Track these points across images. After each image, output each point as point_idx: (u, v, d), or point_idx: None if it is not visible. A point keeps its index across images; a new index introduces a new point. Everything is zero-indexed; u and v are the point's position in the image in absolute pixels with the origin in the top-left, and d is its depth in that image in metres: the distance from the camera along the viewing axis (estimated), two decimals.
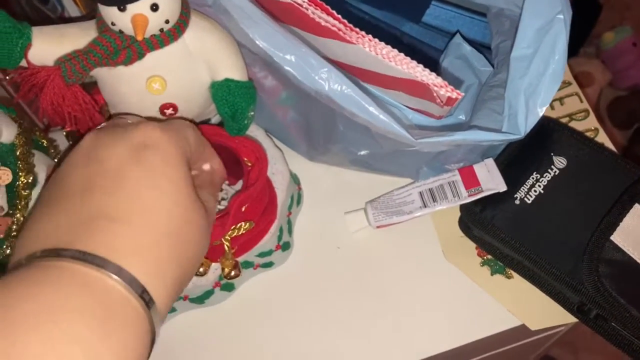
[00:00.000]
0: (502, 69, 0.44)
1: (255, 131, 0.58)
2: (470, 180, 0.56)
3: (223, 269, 0.51)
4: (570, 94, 0.66)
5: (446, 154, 0.55)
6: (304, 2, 0.31)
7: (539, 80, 0.34)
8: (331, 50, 0.35)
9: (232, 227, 0.48)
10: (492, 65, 0.48)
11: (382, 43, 0.32)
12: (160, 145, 0.31)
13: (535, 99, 0.34)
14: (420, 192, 0.58)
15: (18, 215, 0.46)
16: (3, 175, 0.43)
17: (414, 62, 0.32)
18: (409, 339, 0.54)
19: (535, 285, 0.55)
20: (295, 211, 0.60)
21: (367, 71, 0.35)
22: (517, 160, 0.57)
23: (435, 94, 0.32)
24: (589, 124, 0.64)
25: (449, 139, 0.34)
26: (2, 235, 0.45)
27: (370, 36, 0.32)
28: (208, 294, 0.54)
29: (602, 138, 0.63)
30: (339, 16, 0.32)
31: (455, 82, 0.44)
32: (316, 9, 0.31)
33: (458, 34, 0.49)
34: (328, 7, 0.31)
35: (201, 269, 0.50)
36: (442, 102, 0.32)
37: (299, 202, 0.60)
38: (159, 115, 0.47)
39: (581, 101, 0.66)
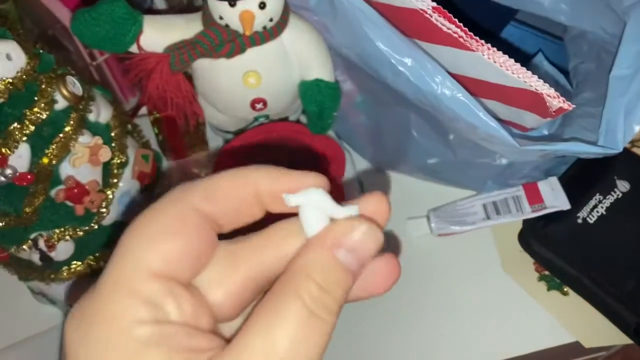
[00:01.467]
0: (585, 88, 0.46)
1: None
2: (534, 196, 0.58)
3: None
4: None
5: (513, 169, 0.56)
6: (428, 8, 0.33)
7: (638, 99, 0.35)
8: (442, 59, 0.36)
9: None
10: (570, 85, 0.50)
11: (500, 52, 0.34)
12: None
13: (633, 116, 0.35)
14: (484, 204, 0.59)
15: (109, 192, 0.48)
16: (104, 153, 0.45)
17: (529, 72, 0.34)
18: (461, 346, 0.55)
19: (592, 304, 0.56)
20: None
21: (473, 80, 0.36)
22: (580, 180, 0.59)
23: (548, 104, 0.33)
24: None
25: (552, 147, 0.36)
26: (95, 210, 0.47)
27: (489, 45, 0.34)
28: None
29: None
30: (461, 24, 0.34)
31: None
32: (440, 16, 0.33)
33: (540, 53, 0.51)
34: (450, 15, 0.33)
35: None
36: (553, 111, 0.34)
37: None
38: (248, 109, 0.50)
39: None
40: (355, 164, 0.60)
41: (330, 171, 0.51)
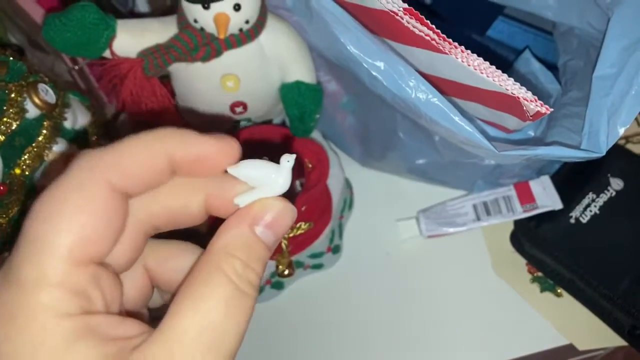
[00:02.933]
0: (572, 87, 0.45)
1: (312, 134, 0.59)
2: (526, 196, 0.56)
3: (278, 267, 0.51)
4: None
5: (503, 169, 0.55)
6: (399, 10, 0.32)
7: (622, 100, 0.34)
8: (417, 60, 0.35)
9: (292, 227, 0.49)
10: (559, 82, 0.49)
11: (474, 55, 0.32)
12: None
13: (617, 118, 0.34)
14: (474, 205, 0.58)
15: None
16: None
17: (505, 75, 0.32)
18: (452, 350, 0.54)
19: (586, 305, 0.54)
20: (346, 215, 0.60)
21: (450, 82, 0.35)
22: (572, 179, 0.58)
23: (525, 108, 0.32)
24: None
25: (531, 152, 0.35)
26: None
27: (462, 47, 0.32)
28: (259, 290, 0.55)
29: None
30: (433, 26, 0.32)
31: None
32: (411, 18, 0.32)
33: (527, 50, 0.49)
34: (422, 17, 0.32)
35: None
36: (530, 116, 0.33)
37: (350, 206, 0.61)
38: (228, 112, 0.48)
39: (638, 124, 0.65)
40: (342, 165, 0.59)
41: (313, 175, 0.50)
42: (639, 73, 0.33)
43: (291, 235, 0.49)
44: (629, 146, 0.64)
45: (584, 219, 0.55)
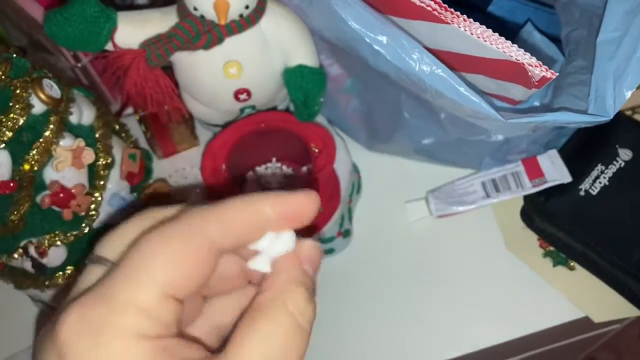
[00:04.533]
0: (576, 57, 0.44)
1: (317, 119, 0.59)
2: (534, 171, 0.56)
3: None
4: None
5: (510, 145, 0.55)
6: None
7: (627, 63, 0.33)
8: (420, 34, 0.35)
9: None
10: (563, 54, 0.48)
11: (477, 23, 0.32)
12: None
13: (623, 81, 0.34)
14: (482, 183, 0.58)
15: (97, 194, 0.47)
16: (87, 155, 0.45)
17: (509, 42, 0.32)
18: (469, 328, 0.54)
19: (599, 277, 0.54)
20: (355, 199, 0.60)
21: (454, 54, 0.35)
22: (580, 151, 0.57)
23: (530, 74, 0.32)
24: None
25: (539, 119, 0.34)
26: (83, 213, 0.46)
27: (465, 16, 0.32)
28: None
29: None
30: None
31: None
32: None
33: (529, 23, 0.49)
34: None
35: None
36: (536, 81, 0.33)
37: (358, 190, 0.61)
38: (233, 100, 0.49)
39: None
40: (349, 149, 0.59)
41: (319, 160, 0.50)
42: None
43: None
44: (636, 117, 0.64)
45: (594, 191, 0.55)
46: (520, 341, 0.55)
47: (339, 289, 0.57)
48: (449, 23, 0.32)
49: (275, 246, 0.25)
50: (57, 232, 0.46)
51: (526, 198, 0.57)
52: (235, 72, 0.46)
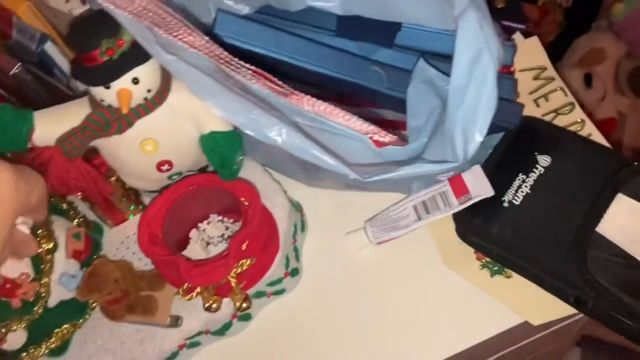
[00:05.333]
0: None
1: (253, 167, 0.62)
2: (460, 188, 0.59)
3: (234, 303, 0.55)
4: (554, 89, 0.68)
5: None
6: (246, 76, 0.35)
7: (475, 109, 0.36)
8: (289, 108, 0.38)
9: (235, 265, 0.52)
10: None
11: (320, 101, 0.35)
12: (5, 198, 0.37)
13: (473, 127, 0.36)
14: (414, 206, 0.60)
15: (45, 279, 0.51)
16: (26, 250, 0.48)
17: (349, 115, 0.35)
18: (419, 346, 0.57)
19: (533, 282, 0.57)
20: (300, 237, 0.63)
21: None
22: (503, 163, 0.60)
23: (370, 141, 0.35)
24: (575, 117, 0.66)
25: (395, 174, 0.37)
26: (32, 299, 0.50)
27: (308, 97, 0.35)
28: (227, 325, 0.59)
29: (589, 129, 0.65)
30: (280, 82, 0.35)
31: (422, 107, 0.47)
32: (261, 77, 0.35)
33: (422, 59, 0.52)
34: (270, 75, 0.35)
35: (214, 306, 0.54)
36: (376, 146, 0.36)
37: (303, 228, 0.64)
38: (155, 172, 0.52)
39: (565, 95, 0.68)
40: (293, 188, 0.62)
41: (249, 212, 0.53)
42: (486, 81, 0.35)
43: (237, 272, 0.53)
44: (559, 118, 0.66)
45: (517, 201, 0.57)
46: (467, 354, 0.57)
47: (294, 325, 0.60)
48: (295, 103, 0.35)
49: None
50: (10, 320, 0.50)
51: (454, 216, 0.59)
52: (152, 148, 0.50)
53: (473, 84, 0.36)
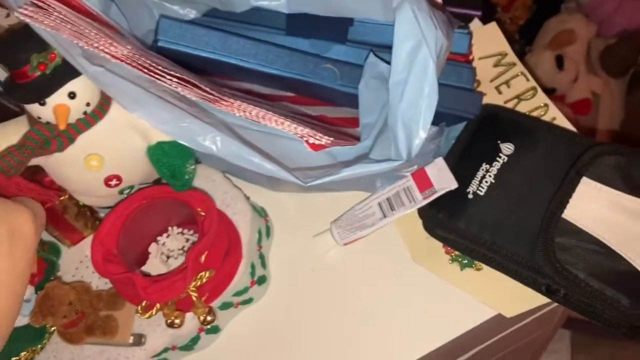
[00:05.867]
0: None
1: (213, 175, 0.61)
2: (424, 182, 0.57)
3: (198, 317, 0.53)
4: (516, 74, 0.67)
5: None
6: (171, 85, 0.33)
7: (417, 104, 0.35)
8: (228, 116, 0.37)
9: (193, 279, 0.50)
10: None
11: (251, 106, 0.34)
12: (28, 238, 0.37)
13: (416, 123, 0.35)
14: (379, 203, 0.59)
15: None
16: None
17: (282, 118, 0.34)
18: (394, 346, 0.56)
19: (504, 273, 0.55)
20: (266, 244, 0.62)
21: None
22: (466, 154, 0.59)
23: (305, 143, 0.34)
24: (538, 101, 0.65)
25: (336, 177, 0.36)
26: None
27: (239, 102, 0.34)
28: (195, 340, 0.57)
29: (553, 113, 0.64)
30: (207, 89, 0.34)
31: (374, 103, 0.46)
32: (187, 85, 0.33)
33: (372, 54, 0.50)
34: (198, 84, 0.33)
35: (177, 321, 0.52)
36: (312, 149, 0.34)
37: (268, 234, 0.62)
38: (104, 188, 0.50)
39: (527, 80, 0.66)
40: (253, 194, 0.61)
41: (206, 222, 0.51)
42: (427, 75, 0.34)
43: (197, 285, 0.51)
44: (522, 103, 0.65)
45: (482, 191, 0.56)
46: (441, 351, 0.56)
47: (264, 333, 0.59)
48: (229, 109, 0.34)
49: None
50: None
51: (420, 211, 0.58)
52: (97, 164, 0.48)
53: (413, 78, 0.35)
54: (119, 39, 0.38)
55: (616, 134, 1.51)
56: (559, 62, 1.43)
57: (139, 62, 0.37)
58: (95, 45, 0.37)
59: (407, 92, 0.35)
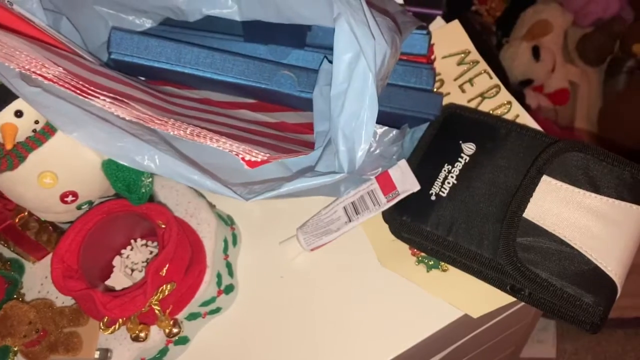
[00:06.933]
0: None
1: (176, 185, 0.60)
2: (387, 185, 0.57)
3: (163, 330, 0.53)
4: (479, 72, 0.66)
5: (359, 169, 0.56)
6: (111, 109, 0.33)
7: (357, 116, 0.34)
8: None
9: (155, 292, 0.50)
10: None
11: (185, 124, 0.33)
12: None
13: (358, 134, 0.34)
14: (344, 207, 0.59)
15: None
16: None
17: (217, 136, 0.33)
18: (363, 349, 0.56)
19: (469, 273, 0.55)
20: (233, 252, 0.61)
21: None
22: (428, 155, 0.58)
23: (241, 161, 0.33)
24: (502, 99, 0.65)
25: (277, 192, 0.36)
26: None
27: (172, 120, 0.33)
28: (164, 352, 0.56)
29: (516, 110, 0.64)
30: (148, 112, 0.33)
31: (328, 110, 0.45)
32: (131, 103, 0.33)
33: (325, 61, 0.50)
34: (130, 103, 0.33)
35: (142, 335, 0.52)
36: (249, 166, 0.34)
37: (235, 242, 0.62)
38: (60, 204, 0.50)
39: (491, 78, 0.66)
40: (219, 202, 0.60)
41: (166, 234, 0.51)
42: (366, 86, 0.33)
43: (159, 298, 0.50)
44: (486, 102, 0.65)
45: (444, 193, 0.56)
46: (412, 351, 0.56)
47: (234, 342, 0.58)
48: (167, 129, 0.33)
49: None
50: None
51: (384, 214, 0.58)
52: (51, 181, 0.47)
53: (352, 89, 0.34)
54: (55, 57, 0.38)
55: (595, 122, 1.51)
56: (536, 52, 1.43)
57: (71, 82, 0.37)
58: (27, 67, 0.37)
59: (348, 104, 0.35)
